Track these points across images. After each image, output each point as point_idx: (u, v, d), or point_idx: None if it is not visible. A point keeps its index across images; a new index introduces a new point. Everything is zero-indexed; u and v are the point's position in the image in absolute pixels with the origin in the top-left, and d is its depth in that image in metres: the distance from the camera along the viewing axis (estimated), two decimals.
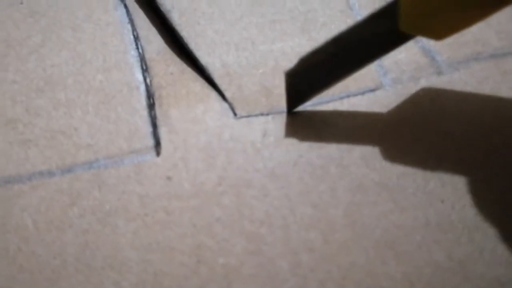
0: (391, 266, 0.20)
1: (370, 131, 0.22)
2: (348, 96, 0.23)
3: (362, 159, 0.22)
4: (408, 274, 0.20)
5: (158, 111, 0.23)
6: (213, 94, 0.23)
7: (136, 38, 0.25)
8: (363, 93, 0.23)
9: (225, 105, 0.23)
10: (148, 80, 0.24)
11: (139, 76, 0.24)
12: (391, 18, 0.20)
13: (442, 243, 0.21)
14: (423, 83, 0.23)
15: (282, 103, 0.23)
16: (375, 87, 0.23)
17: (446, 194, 0.21)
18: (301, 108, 0.23)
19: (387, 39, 0.21)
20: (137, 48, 0.24)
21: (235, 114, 0.23)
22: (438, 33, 0.20)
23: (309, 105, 0.23)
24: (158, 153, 0.22)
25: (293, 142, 0.22)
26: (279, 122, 0.23)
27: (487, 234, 0.21)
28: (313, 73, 0.22)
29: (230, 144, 0.22)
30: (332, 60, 0.21)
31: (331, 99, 0.23)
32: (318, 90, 0.22)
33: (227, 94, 0.23)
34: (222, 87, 0.23)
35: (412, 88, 0.23)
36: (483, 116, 0.23)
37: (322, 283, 0.20)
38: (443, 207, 0.21)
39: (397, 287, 0.20)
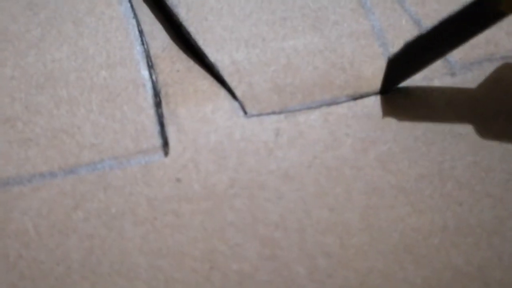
0: (410, 271, 0.19)
1: (384, 133, 0.21)
2: (361, 97, 0.22)
3: (378, 161, 0.20)
4: (427, 279, 0.19)
5: (165, 109, 0.21)
6: (222, 92, 0.22)
7: (141, 34, 0.23)
8: (377, 94, 0.22)
9: (235, 103, 0.21)
10: (154, 77, 0.22)
11: (145, 73, 0.22)
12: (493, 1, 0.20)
13: (461, 247, 0.19)
14: (437, 83, 0.22)
15: (295, 101, 0.21)
16: None
17: (463, 196, 0.20)
18: (314, 108, 0.21)
19: (486, 19, 0.20)
20: (143, 44, 0.22)
21: (245, 112, 0.21)
22: None
23: (323, 105, 0.21)
24: (166, 154, 0.20)
25: (306, 142, 0.21)
26: (292, 121, 0.21)
27: (506, 238, 0.20)
28: (414, 56, 0.21)
29: (242, 144, 0.21)
30: (434, 43, 0.21)
31: (345, 100, 0.22)
32: (413, 73, 0.22)
33: (237, 92, 0.21)
34: (232, 84, 0.22)
35: (426, 89, 0.22)
36: (498, 117, 0.22)
37: None
38: (461, 210, 0.20)
39: None
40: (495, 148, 0.21)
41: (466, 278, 0.19)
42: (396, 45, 0.23)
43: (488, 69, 0.22)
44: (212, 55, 0.22)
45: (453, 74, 0.22)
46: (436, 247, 0.19)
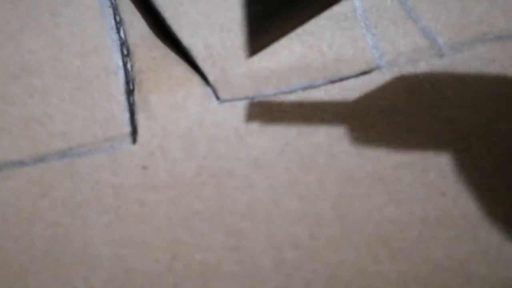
0: (385, 265, 0.18)
1: (362, 118, 0.20)
2: (340, 80, 0.20)
3: (354, 148, 0.19)
4: (403, 273, 0.18)
5: (137, 96, 0.21)
6: (196, 78, 0.21)
7: (118, 23, 0.22)
8: (356, 76, 0.20)
9: (208, 89, 0.21)
10: (128, 65, 0.21)
11: (119, 61, 0.21)
12: None
13: (442, 240, 0.18)
14: (423, 66, 0.21)
15: (269, 86, 0.20)
16: (370, 70, 0.21)
17: (447, 186, 0.19)
18: (289, 93, 0.20)
19: None
20: (118, 32, 0.22)
21: (218, 98, 0.20)
22: None
23: (298, 89, 0.20)
24: (134, 141, 0.20)
25: (279, 128, 0.20)
26: (265, 106, 0.20)
27: (492, 232, 0.18)
28: (273, 3, 0.18)
29: (212, 130, 0.20)
30: None
31: (323, 83, 0.20)
32: (281, 30, 0.18)
33: (210, 78, 0.21)
34: (205, 70, 0.21)
35: (410, 71, 0.20)
36: (488, 101, 0.20)
37: (307, 282, 0.18)
38: (443, 200, 0.18)
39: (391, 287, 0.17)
40: (482, 136, 0.19)
41: (446, 273, 0.18)
42: (380, 27, 0.21)
43: (480, 50, 0.21)
44: (186, 39, 0.21)
45: (441, 56, 0.21)
46: (414, 240, 0.18)
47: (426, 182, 0.19)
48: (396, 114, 0.20)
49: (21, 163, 0.20)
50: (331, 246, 0.18)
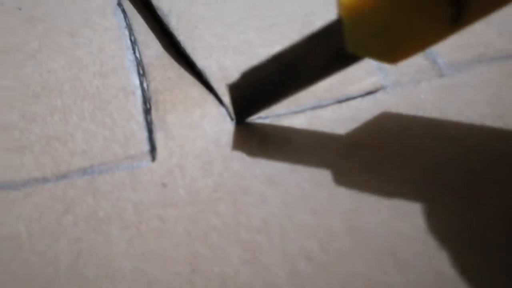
0: (392, 275, 0.19)
1: (370, 137, 0.21)
2: (348, 99, 0.22)
3: (362, 165, 0.20)
4: (409, 282, 0.19)
5: (154, 116, 0.22)
6: (211, 98, 0.22)
7: (134, 43, 0.23)
8: (363, 96, 0.22)
9: (223, 109, 0.22)
10: (145, 85, 0.22)
11: (136, 81, 0.22)
12: (336, 37, 0.17)
13: (444, 251, 0.19)
14: (424, 86, 0.22)
15: (281, 107, 0.21)
16: (375, 90, 0.22)
17: (449, 201, 0.20)
18: (299, 113, 0.21)
19: (334, 59, 0.18)
20: (134, 53, 0.23)
21: (232, 119, 0.21)
22: (389, 56, 0.17)
23: (308, 109, 0.21)
24: (153, 159, 0.21)
25: (291, 147, 0.21)
26: (277, 126, 0.21)
27: (492, 243, 0.19)
28: (256, 88, 0.20)
29: (227, 149, 0.21)
30: (275, 78, 0.19)
31: (330, 103, 0.22)
32: (264, 105, 0.21)
33: (225, 99, 0.22)
34: (220, 91, 0.22)
35: (413, 91, 0.22)
36: (486, 120, 0.21)
37: None
38: (446, 214, 0.20)
39: None
40: (483, 153, 0.21)
41: (449, 282, 0.19)
42: None
43: (478, 70, 0.22)
44: (201, 62, 0.22)
45: (441, 76, 0.22)
46: (419, 251, 0.19)
47: (429, 197, 0.20)
48: (401, 133, 0.21)
49: (44, 180, 0.21)
50: (342, 258, 0.19)
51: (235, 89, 0.20)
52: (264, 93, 0.20)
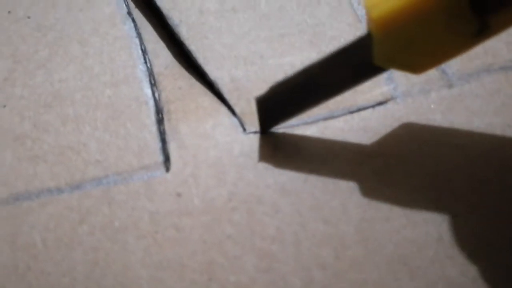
0: (405, 282, 0.20)
1: (380, 146, 0.21)
2: (358, 110, 0.22)
3: (373, 174, 0.21)
4: None
5: (167, 126, 0.22)
6: (223, 108, 0.22)
7: (144, 52, 0.24)
8: (373, 106, 0.22)
9: (235, 120, 0.22)
10: (156, 95, 0.23)
11: (148, 91, 0.23)
12: (364, 51, 0.18)
13: (456, 259, 0.20)
14: (434, 96, 0.22)
15: (293, 118, 0.22)
16: (385, 100, 0.22)
17: (459, 208, 0.20)
18: (311, 123, 0.22)
19: (360, 71, 0.19)
20: (145, 62, 0.23)
21: (244, 129, 0.22)
22: (415, 67, 0.19)
23: (320, 119, 0.22)
24: (167, 169, 0.21)
25: (303, 157, 0.21)
26: (289, 137, 0.22)
27: (502, 249, 0.20)
28: (283, 101, 0.21)
29: (241, 159, 0.21)
30: (303, 91, 0.20)
31: (341, 113, 0.22)
32: (289, 116, 0.21)
33: (237, 109, 0.22)
34: (231, 101, 0.22)
35: (422, 101, 0.22)
36: (494, 129, 0.22)
37: None
38: (456, 221, 0.20)
39: None
40: (492, 160, 0.21)
41: None
42: None
43: (486, 80, 0.23)
44: (212, 72, 0.23)
45: (450, 86, 0.23)
46: (430, 259, 0.20)
47: (439, 205, 0.21)
48: (411, 142, 0.21)
49: (59, 190, 0.21)
50: (355, 266, 0.20)
51: (262, 101, 0.21)
52: (290, 105, 0.21)
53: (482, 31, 0.17)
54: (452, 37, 0.17)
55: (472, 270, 0.20)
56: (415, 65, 0.18)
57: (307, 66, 0.20)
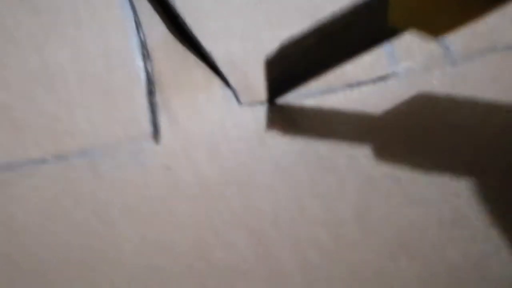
0: (403, 265, 0.18)
1: (380, 122, 0.20)
2: (358, 85, 0.21)
3: (373, 151, 0.20)
4: (421, 273, 0.18)
5: (158, 98, 0.21)
6: (216, 81, 0.21)
7: (138, 25, 0.23)
8: (374, 82, 0.21)
9: (229, 92, 0.21)
10: (149, 67, 0.22)
11: (140, 63, 0.22)
12: (379, 9, 0.17)
13: (457, 241, 0.19)
14: (437, 73, 0.21)
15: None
16: (386, 76, 0.21)
17: (461, 188, 0.19)
18: (308, 97, 0.21)
19: (374, 32, 0.18)
20: (139, 34, 0.22)
21: (239, 101, 0.21)
22: (432, 27, 0.17)
23: (317, 93, 0.21)
24: (157, 141, 0.20)
25: (299, 131, 0.20)
26: (285, 110, 0.21)
27: (505, 232, 0.19)
28: (295, 61, 0.19)
29: (233, 132, 0.20)
30: (315, 50, 0.19)
31: (341, 88, 0.21)
32: (301, 81, 0.20)
33: (231, 80, 0.21)
34: (226, 74, 0.21)
35: (425, 78, 0.21)
36: (498, 109, 0.21)
37: (329, 281, 0.18)
38: (458, 202, 0.19)
39: (409, 287, 0.18)
40: (495, 142, 0.20)
41: (462, 273, 0.18)
42: None
43: (491, 59, 0.22)
44: (207, 45, 0.22)
45: (454, 64, 0.21)
46: (431, 241, 0.19)
47: (441, 184, 0.19)
48: (412, 119, 0.20)
49: (43, 161, 0.20)
50: (351, 247, 0.19)
51: (272, 63, 0.20)
52: (301, 68, 0.19)
53: None
54: None
55: (474, 253, 0.18)
56: (432, 24, 0.17)
57: (319, 23, 0.18)
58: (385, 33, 0.18)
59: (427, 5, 0.16)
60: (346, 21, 0.18)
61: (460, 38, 0.21)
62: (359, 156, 0.20)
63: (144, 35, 0.23)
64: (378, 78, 0.21)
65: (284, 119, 0.20)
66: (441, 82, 0.21)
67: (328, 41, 0.19)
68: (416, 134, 0.20)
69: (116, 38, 0.22)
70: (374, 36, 0.18)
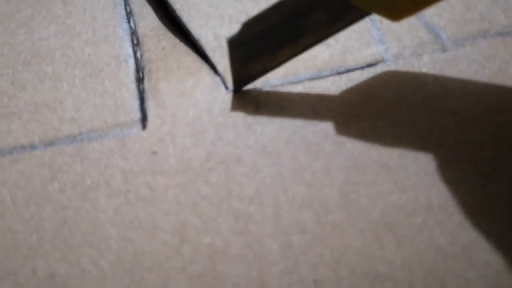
0: (390, 250, 0.18)
1: (368, 108, 0.20)
2: (347, 71, 0.21)
3: (360, 136, 0.19)
4: (407, 259, 0.18)
5: (147, 85, 0.21)
6: (205, 67, 0.21)
7: (129, 13, 0.23)
8: (363, 68, 0.21)
9: (217, 78, 0.21)
10: (138, 54, 0.21)
11: (129, 50, 0.21)
12: None
13: (445, 227, 0.18)
14: (426, 59, 0.21)
15: (277, 76, 0.21)
16: (375, 62, 0.21)
17: (450, 175, 0.19)
18: (296, 83, 0.21)
19: (338, 12, 0.18)
20: (129, 22, 0.22)
21: (226, 87, 0.21)
22: (392, 10, 0.17)
23: (306, 79, 0.20)
24: (144, 127, 0.20)
25: (286, 117, 0.20)
26: (272, 96, 0.20)
27: (495, 218, 0.18)
28: (258, 45, 0.18)
29: (220, 118, 0.20)
30: (277, 32, 0.18)
31: (330, 74, 0.21)
32: (265, 68, 0.19)
33: (219, 67, 0.21)
34: (215, 60, 0.21)
35: (414, 64, 0.21)
36: (489, 94, 0.20)
37: (313, 266, 0.18)
38: (446, 188, 0.19)
39: (396, 272, 0.18)
40: (485, 126, 0.20)
41: (449, 259, 0.18)
42: (385, 21, 0.22)
43: (482, 45, 0.21)
44: (196, 30, 0.22)
45: (444, 50, 0.21)
46: (418, 226, 0.18)
47: (430, 170, 0.19)
48: (401, 105, 0.20)
49: (31, 147, 0.20)
50: (337, 231, 0.18)
51: (235, 44, 0.19)
52: (266, 52, 0.19)
53: None
54: None
55: (462, 239, 0.18)
56: (392, 7, 0.17)
57: (282, 1, 0.18)
58: (349, 14, 0.17)
59: None
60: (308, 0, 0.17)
61: (450, 24, 0.21)
62: (346, 142, 0.19)
63: (135, 23, 0.23)
64: (367, 65, 0.21)
65: (272, 106, 0.20)
66: (431, 68, 0.21)
67: (291, 20, 0.18)
68: (403, 122, 0.20)
69: (105, 25, 0.22)
70: (338, 16, 0.18)
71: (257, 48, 0.19)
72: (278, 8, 0.18)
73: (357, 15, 0.18)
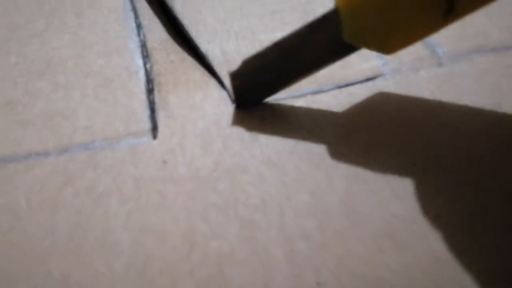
0: (390, 256, 0.19)
1: (368, 120, 0.21)
2: (347, 85, 0.22)
3: (360, 148, 0.20)
4: (406, 264, 0.19)
5: (156, 96, 0.22)
6: (212, 81, 0.22)
7: (139, 26, 0.23)
8: (362, 82, 0.22)
9: (224, 92, 0.22)
10: (148, 66, 0.22)
11: (139, 62, 0.22)
12: (334, 27, 0.18)
13: (441, 234, 0.19)
14: (423, 74, 0.22)
15: (281, 92, 0.21)
16: (374, 77, 0.22)
17: (445, 184, 0.20)
18: (299, 97, 0.21)
19: (332, 48, 0.19)
20: (139, 35, 0.23)
21: (233, 101, 0.21)
22: (384, 46, 0.18)
23: (308, 93, 0.21)
24: (154, 137, 0.21)
25: (290, 129, 0.21)
26: (277, 109, 0.21)
27: (488, 226, 0.19)
28: (257, 76, 0.20)
29: (227, 130, 0.21)
30: (276, 66, 0.20)
31: (331, 88, 0.22)
32: (266, 94, 0.21)
33: (226, 82, 0.22)
34: (221, 74, 0.22)
35: (412, 79, 0.22)
36: (484, 108, 0.21)
37: (317, 271, 0.18)
38: (442, 197, 0.20)
39: (395, 277, 0.18)
40: (482, 139, 0.21)
41: (445, 264, 0.19)
42: None
43: (476, 60, 0.22)
44: (204, 45, 0.22)
45: (440, 65, 0.22)
46: (416, 233, 0.19)
47: (426, 180, 0.20)
48: (399, 118, 0.21)
49: (46, 154, 0.21)
50: (339, 238, 0.19)
51: (236, 76, 0.20)
52: (266, 81, 0.20)
53: (452, 9, 0.16)
54: (420, 15, 0.16)
55: (458, 245, 0.19)
56: (383, 44, 0.18)
57: (279, 39, 0.19)
58: (342, 48, 0.19)
59: (376, 25, 0.17)
60: (303, 37, 0.19)
61: (446, 40, 0.22)
62: (346, 153, 0.20)
63: (144, 36, 0.23)
64: (366, 79, 0.22)
65: (276, 119, 0.21)
66: (427, 83, 0.22)
67: (288, 56, 0.19)
68: (401, 134, 0.21)
69: (116, 37, 0.23)
70: (332, 51, 0.19)
71: (257, 80, 0.20)
72: (276, 46, 0.19)
73: (350, 49, 0.19)
